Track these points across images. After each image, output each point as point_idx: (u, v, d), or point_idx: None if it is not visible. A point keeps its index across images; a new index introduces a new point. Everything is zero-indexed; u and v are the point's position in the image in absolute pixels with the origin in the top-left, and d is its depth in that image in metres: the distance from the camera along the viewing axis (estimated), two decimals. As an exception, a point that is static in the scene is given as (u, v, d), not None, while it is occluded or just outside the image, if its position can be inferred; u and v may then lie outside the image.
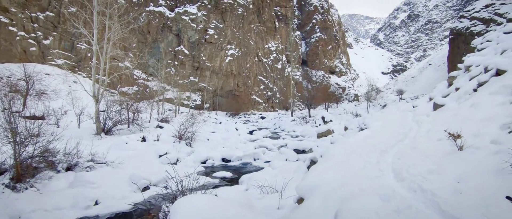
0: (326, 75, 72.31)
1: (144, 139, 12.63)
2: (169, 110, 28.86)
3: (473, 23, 45.78)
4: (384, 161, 4.53)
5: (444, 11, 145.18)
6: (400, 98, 48.57)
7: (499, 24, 37.91)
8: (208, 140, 16.52)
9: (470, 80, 8.86)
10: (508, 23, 12.03)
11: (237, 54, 44.83)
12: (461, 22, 49.15)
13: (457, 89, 9.03)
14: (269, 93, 52.31)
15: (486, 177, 3.14)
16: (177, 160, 10.90)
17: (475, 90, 7.75)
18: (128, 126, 14.19)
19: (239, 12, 46.12)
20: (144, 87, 33.17)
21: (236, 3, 45.63)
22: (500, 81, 6.81)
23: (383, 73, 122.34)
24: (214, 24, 43.05)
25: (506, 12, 39.78)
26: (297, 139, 18.15)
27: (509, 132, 4.13)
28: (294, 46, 67.82)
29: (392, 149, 5.70)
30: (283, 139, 19.22)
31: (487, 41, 11.88)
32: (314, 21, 74.66)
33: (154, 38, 38.34)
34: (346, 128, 15.06)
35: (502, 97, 5.87)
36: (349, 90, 74.35)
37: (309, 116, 30.27)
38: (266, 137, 20.40)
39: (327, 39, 74.93)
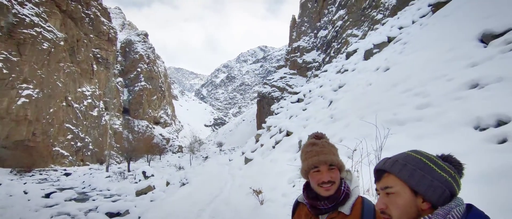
0: (150, 126, 70.04)
1: None
2: None
3: (273, 90, 57.95)
4: (201, 222, 4.44)
5: (253, 76, 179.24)
6: (220, 150, 53.05)
7: (290, 92, 49.72)
8: (-31, 214, 11.45)
9: (270, 138, 10.60)
10: (293, 95, 15.77)
11: (36, 95, 36.21)
12: (264, 87, 61.22)
13: (262, 145, 10.54)
14: (79, 144, 44.34)
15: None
16: None
17: (274, 147, 9.23)
18: None
19: (45, 47, 38.49)
20: None
21: (41, 36, 38.03)
22: (289, 141, 8.46)
23: (205, 125, 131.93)
24: (4, 55, 33.56)
25: (293, 84, 53.10)
26: (112, 199, 15.66)
27: (293, 186, 4.98)
28: (115, 93, 62.50)
29: (209, 207, 5.99)
30: (94, 200, 16.03)
31: (281, 107, 14.98)
32: (139, 69, 72.72)
33: None
34: (168, 183, 14.55)
35: (290, 154, 7.29)
36: (174, 141, 74.66)
37: (128, 171, 27.55)
38: (70, 200, 16.45)
39: (152, 89, 74.21)
